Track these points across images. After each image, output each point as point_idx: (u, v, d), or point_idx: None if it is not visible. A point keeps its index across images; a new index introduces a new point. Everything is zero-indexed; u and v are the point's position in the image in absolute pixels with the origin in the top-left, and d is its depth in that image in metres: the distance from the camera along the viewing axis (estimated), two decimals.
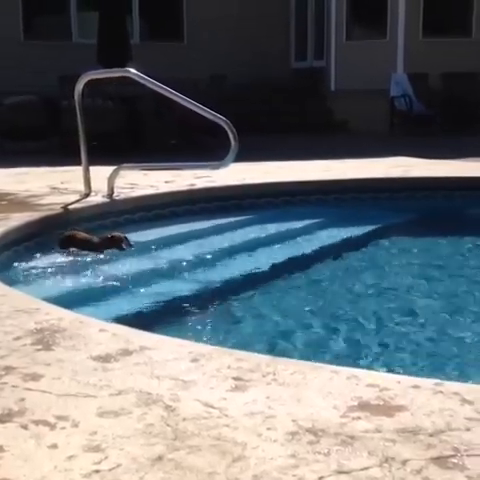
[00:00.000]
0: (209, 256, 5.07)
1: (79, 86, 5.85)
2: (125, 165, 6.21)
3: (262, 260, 5.14)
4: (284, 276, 4.86)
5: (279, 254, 5.36)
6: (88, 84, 5.92)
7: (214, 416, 2.12)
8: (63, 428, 2.06)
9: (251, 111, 12.62)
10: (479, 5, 13.91)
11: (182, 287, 4.47)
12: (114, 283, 4.44)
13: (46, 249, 4.93)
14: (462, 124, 13.21)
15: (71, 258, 4.84)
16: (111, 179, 5.93)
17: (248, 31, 14.36)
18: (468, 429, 2.00)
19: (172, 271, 4.77)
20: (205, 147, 8.72)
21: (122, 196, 5.99)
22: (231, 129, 5.28)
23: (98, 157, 6.36)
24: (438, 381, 2.35)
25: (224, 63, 13.21)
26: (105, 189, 5.93)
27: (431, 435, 1.97)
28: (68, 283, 4.39)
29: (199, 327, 3.77)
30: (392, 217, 6.48)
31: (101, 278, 4.54)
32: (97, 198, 5.87)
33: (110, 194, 5.91)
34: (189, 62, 13.26)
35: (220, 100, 10.39)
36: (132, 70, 5.79)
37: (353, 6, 14.21)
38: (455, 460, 1.84)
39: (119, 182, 6.11)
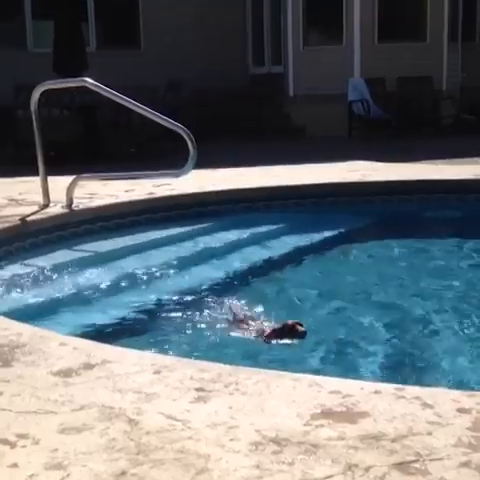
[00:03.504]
0: (169, 266, 5.05)
1: (35, 96, 5.79)
2: (84, 175, 6.16)
3: (223, 268, 5.14)
4: (247, 283, 4.87)
5: (241, 261, 5.37)
6: (44, 93, 5.87)
7: (177, 429, 2.11)
8: (23, 446, 2.03)
9: (209, 117, 12.62)
10: (433, 10, 14.10)
11: (142, 298, 4.44)
12: (73, 293, 4.41)
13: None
14: (418, 127, 13.38)
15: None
16: (70, 189, 5.88)
17: (205, 37, 14.36)
18: (430, 433, 2.02)
19: (135, 282, 4.75)
20: (164, 154, 8.71)
21: (81, 206, 5.94)
22: (190, 137, 5.27)
23: (57, 167, 6.29)
24: (399, 386, 2.37)
25: (181, 70, 13.17)
26: (64, 200, 5.87)
27: (393, 441, 1.98)
28: (21, 295, 4.34)
29: (162, 338, 3.76)
30: (351, 222, 6.53)
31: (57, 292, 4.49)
32: (56, 209, 5.81)
33: (69, 205, 5.85)
34: (146, 69, 13.20)
35: (178, 106, 10.39)
36: (88, 79, 5.74)
37: (309, 12, 14.29)
38: (417, 465, 1.85)
39: (78, 192, 6.06)
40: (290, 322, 3.68)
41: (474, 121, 13.58)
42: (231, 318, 4.00)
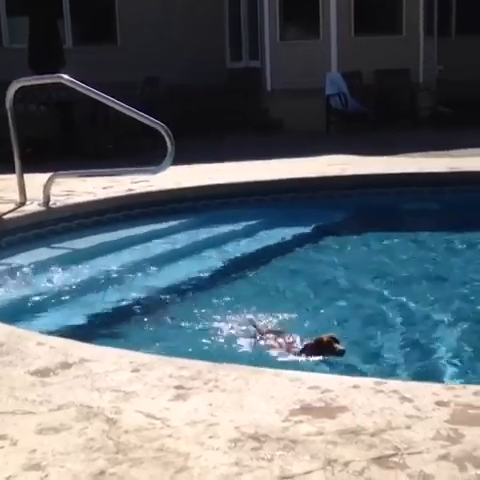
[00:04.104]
0: (148, 263, 5.02)
1: (10, 93, 5.74)
2: (61, 172, 6.11)
3: (202, 264, 5.12)
4: (225, 279, 4.85)
5: (220, 257, 5.35)
6: (20, 90, 5.82)
7: (156, 427, 2.10)
8: (1, 447, 2.02)
9: (186, 113, 12.57)
10: (408, 3, 14.15)
11: (121, 295, 4.42)
12: (49, 292, 4.37)
13: None
14: (396, 120, 13.44)
15: None
16: (47, 187, 5.83)
17: (182, 33, 14.30)
18: (408, 427, 2.03)
19: (112, 279, 4.72)
20: (142, 150, 8.66)
21: (58, 204, 5.89)
22: (167, 133, 5.25)
23: (34, 164, 6.25)
24: (378, 380, 2.38)
25: (158, 65, 13.12)
26: (41, 197, 5.82)
27: (372, 435, 1.99)
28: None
29: (141, 336, 3.74)
30: (331, 216, 6.54)
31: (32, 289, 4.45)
32: (33, 207, 5.76)
33: (46, 202, 5.80)
34: (123, 65, 13.14)
35: (155, 102, 10.35)
36: (64, 76, 5.70)
37: (286, 6, 14.27)
38: (396, 459, 1.86)
39: (55, 189, 6.01)
40: (325, 338, 3.29)
41: (450, 114, 13.65)
42: (252, 331, 3.62)
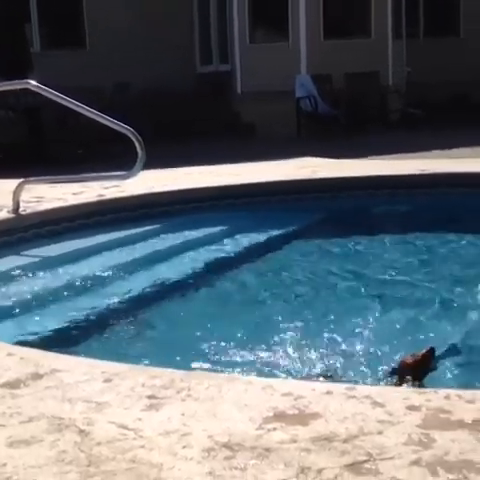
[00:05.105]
0: (120, 269, 4.99)
1: None
2: (30, 179, 6.05)
3: (175, 269, 5.11)
4: (198, 285, 4.84)
5: (193, 262, 5.34)
6: None
7: (129, 438, 2.09)
8: None
9: (157, 117, 12.55)
10: (377, 6, 14.26)
11: (93, 303, 4.39)
12: (20, 301, 4.33)
13: None
14: (366, 122, 13.53)
15: None
16: (16, 193, 5.77)
17: (152, 37, 14.27)
18: (380, 432, 2.04)
19: (84, 286, 4.68)
20: (114, 155, 8.63)
21: (28, 210, 5.85)
22: (137, 138, 5.24)
23: (2, 170, 6.20)
24: (350, 385, 2.39)
25: (128, 70, 13.09)
26: (10, 204, 5.77)
27: (345, 441, 1.99)
28: None
29: (112, 345, 3.72)
30: (302, 219, 6.55)
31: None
32: (2, 214, 5.71)
33: (16, 209, 5.75)
34: (93, 69, 13.08)
35: (126, 107, 10.33)
36: (32, 81, 5.66)
37: (255, 10, 14.33)
38: (368, 465, 1.86)
39: (25, 196, 5.95)
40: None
41: (421, 115, 13.78)
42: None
